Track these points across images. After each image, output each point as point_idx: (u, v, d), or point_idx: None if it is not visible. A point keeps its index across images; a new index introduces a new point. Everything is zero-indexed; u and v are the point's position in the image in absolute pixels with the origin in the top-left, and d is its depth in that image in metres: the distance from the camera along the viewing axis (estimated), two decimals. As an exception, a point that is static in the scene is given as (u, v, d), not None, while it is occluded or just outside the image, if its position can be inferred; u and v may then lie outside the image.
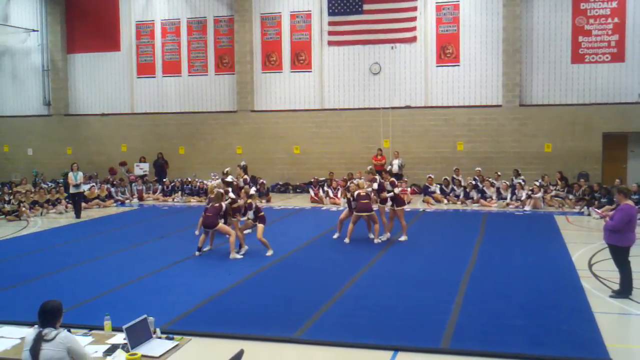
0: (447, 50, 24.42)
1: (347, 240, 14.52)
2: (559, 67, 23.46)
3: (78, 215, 19.73)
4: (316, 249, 14.08)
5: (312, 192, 22.83)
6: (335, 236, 15.10)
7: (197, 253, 13.40)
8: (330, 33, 25.48)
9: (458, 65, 24.33)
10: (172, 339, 6.29)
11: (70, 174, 19.67)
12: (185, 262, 12.79)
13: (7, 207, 19.94)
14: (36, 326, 5.53)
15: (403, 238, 14.74)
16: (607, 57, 23.00)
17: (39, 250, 14.49)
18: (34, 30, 28.94)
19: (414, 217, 18.62)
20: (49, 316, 5.44)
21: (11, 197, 20.87)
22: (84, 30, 28.49)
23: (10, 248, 14.89)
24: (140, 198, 23.87)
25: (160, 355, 5.89)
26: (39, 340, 5.32)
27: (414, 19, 24.55)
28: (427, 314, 9.05)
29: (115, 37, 28.13)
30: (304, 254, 13.62)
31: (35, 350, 5.29)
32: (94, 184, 23.58)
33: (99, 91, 28.53)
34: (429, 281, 10.94)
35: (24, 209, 20.09)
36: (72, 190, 19.79)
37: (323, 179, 23.63)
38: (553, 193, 20.92)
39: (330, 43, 25.54)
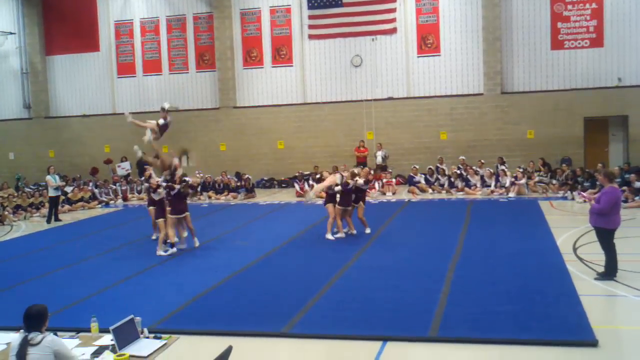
0: (428, 41, 24.47)
1: (343, 233, 14.40)
2: (539, 53, 23.60)
3: (49, 221, 19.10)
4: (303, 243, 14.07)
5: (297, 187, 22.84)
6: (342, 234, 14.48)
7: (174, 250, 13.29)
8: (310, 27, 25.43)
9: (439, 55, 24.39)
10: (160, 338, 6.26)
11: (49, 177, 19.21)
12: (170, 262, 12.72)
13: (-10, 213, 19.77)
14: (22, 331, 5.50)
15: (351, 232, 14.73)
16: (586, 43, 23.17)
17: (24, 254, 14.35)
18: (11, 33, 28.60)
19: (399, 208, 18.71)
20: (34, 320, 5.41)
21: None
22: (62, 31, 28.22)
23: (-6, 253, 14.76)
24: (125, 198, 23.74)
25: (149, 355, 5.87)
26: (25, 344, 5.29)
27: (393, 10, 24.56)
28: (414, 303, 9.09)
29: (94, 38, 27.89)
30: (291, 248, 13.61)
31: (21, 355, 5.26)
32: (75, 185, 23.40)
33: (80, 92, 28.30)
34: (416, 271, 10.99)
35: (6, 213, 19.91)
36: (52, 193, 19.23)
37: (308, 173, 23.63)
38: (537, 179, 21.06)
39: (310, 37, 25.50)
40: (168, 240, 13.39)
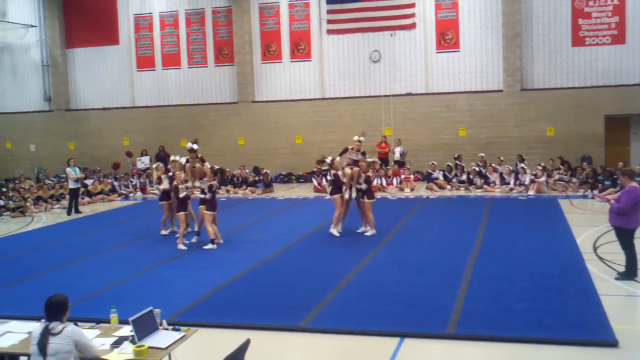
0: (447, 36, 24.32)
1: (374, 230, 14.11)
2: (559, 50, 23.34)
3: (70, 212, 19.22)
4: (320, 238, 14.05)
5: (315, 182, 22.83)
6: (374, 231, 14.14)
7: (213, 246, 13.23)
8: (329, 21, 25.37)
9: (458, 51, 24.22)
10: (178, 330, 6.31)
11: (69, 169, 19.28)
12: (189, 254, 12.80)
13: (12, 204, 19.97)
14: (43, 320, 5.56)
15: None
16: (607, 39, 22.87)
17: (44, 245, 14.53)
18: (32, 26, 28.88)
19: (418, 204, 18.64)
20: (55, 310, 5.47)
21: (15, 193, 20.92)
22: (82, 24, 28.43)
23: (15, 244, 14.93)
24: (144, 191, 23.88)
25: (167, 346, 5.92)
26: (46, 334, 5.36)
27: (412, 5, 24.42)
28: (432, 300, 9.06)
29: (113, 31, 28.07)
30: (308, 243, 13.62)
31: (42, 344, 5.32)
32: (96, 178, 23.60)
33: (99, 85, 28.51)
34: (434, 268, 10.94)
35: (28, 204, 20.12)
36: (72, 185, 19.33)
37: (325, 168, 23.55)
38: (556, 177, 20.88)
39: (329, 32, 25.44)
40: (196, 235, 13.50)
